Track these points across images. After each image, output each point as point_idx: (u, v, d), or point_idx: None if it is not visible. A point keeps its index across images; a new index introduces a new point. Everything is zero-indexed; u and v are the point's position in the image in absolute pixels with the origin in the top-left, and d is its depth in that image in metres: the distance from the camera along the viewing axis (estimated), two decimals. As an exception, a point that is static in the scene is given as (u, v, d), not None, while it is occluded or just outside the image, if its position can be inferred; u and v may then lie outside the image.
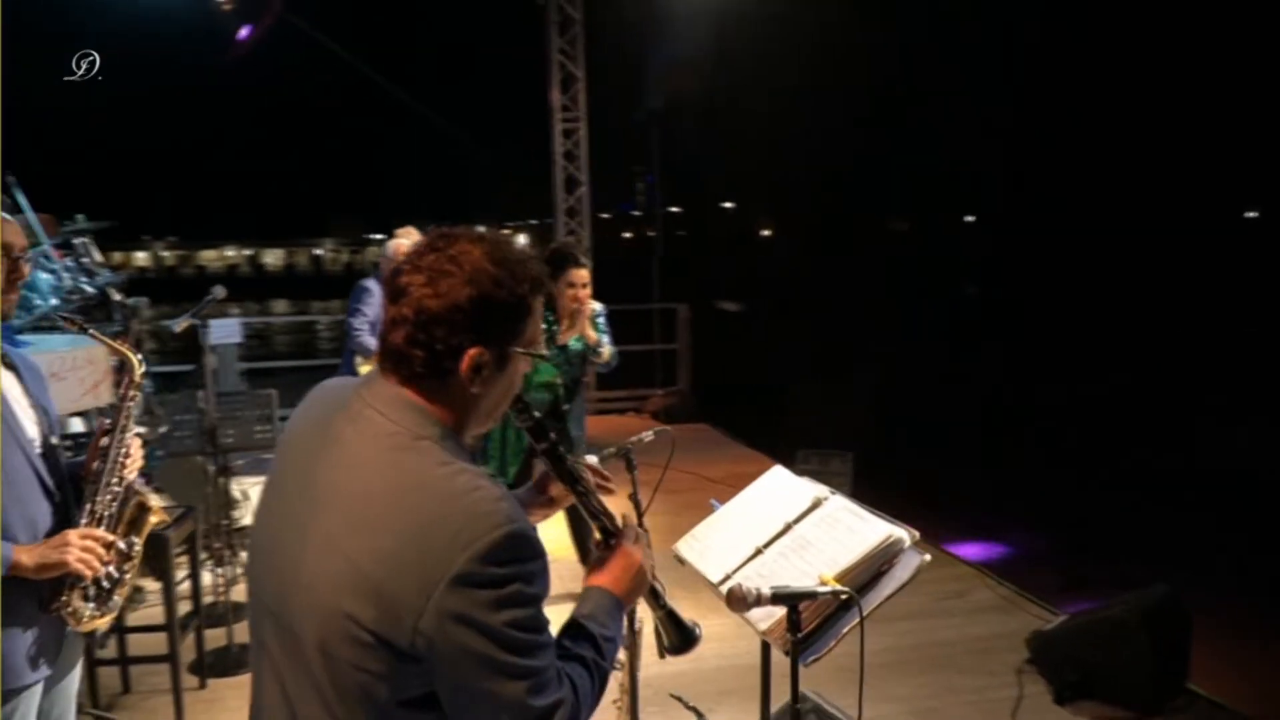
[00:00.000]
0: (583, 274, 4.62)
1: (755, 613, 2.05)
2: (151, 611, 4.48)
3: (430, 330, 1.38)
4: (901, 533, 2.09)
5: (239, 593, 4.77)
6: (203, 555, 4.53)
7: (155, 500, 2.50)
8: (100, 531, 2.32)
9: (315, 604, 1.34)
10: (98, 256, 6.09)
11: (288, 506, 1.44)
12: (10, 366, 2.39)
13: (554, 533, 4.80)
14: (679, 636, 1.76)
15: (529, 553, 1.33)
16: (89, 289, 5.58)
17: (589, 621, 1.54)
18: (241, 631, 4.60)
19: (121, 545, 2.40)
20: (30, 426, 2.35)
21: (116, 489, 2.41)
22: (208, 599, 4.52)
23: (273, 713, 1.42)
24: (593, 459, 3.97)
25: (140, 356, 2.59)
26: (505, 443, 4.63)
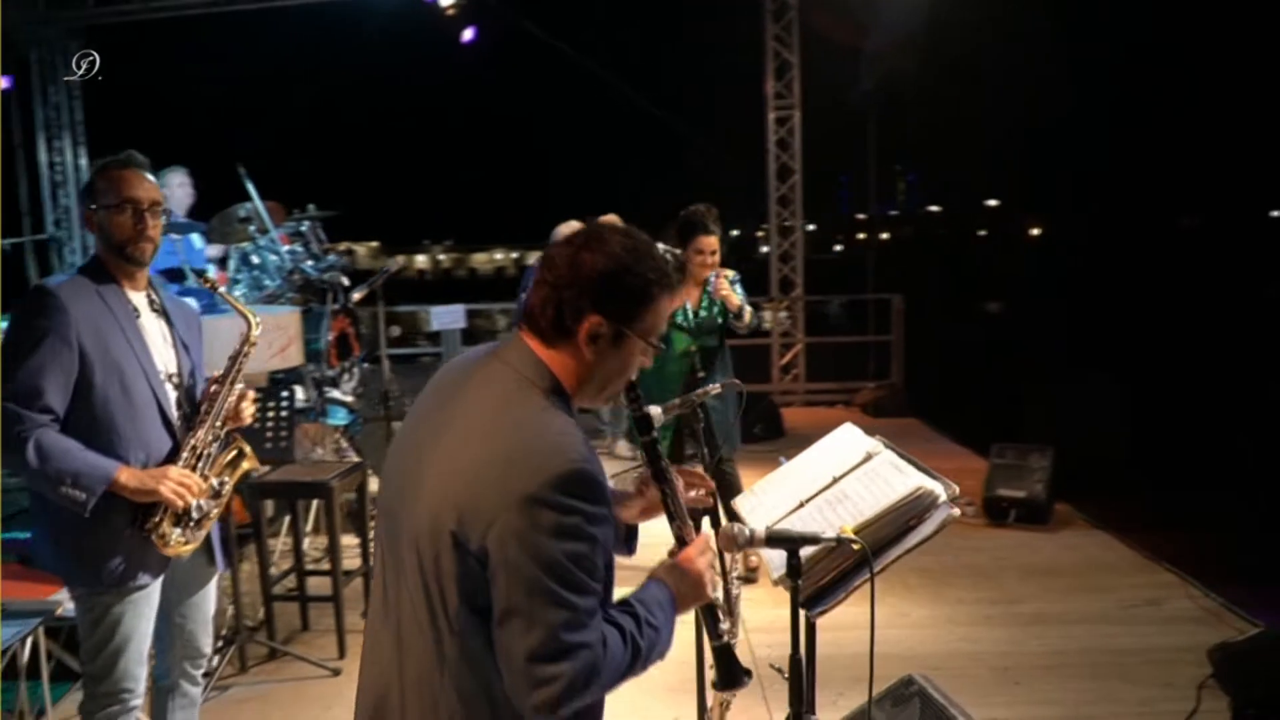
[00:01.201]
0: (710, 241, 4.59)
1: (774, 560, 1.96)
2: (348, 563, 4.84)
3: (562, 292, 1.55)
4: (935, 486, 1.93)
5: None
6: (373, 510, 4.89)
7: (249, 449, 2.76)
8: (196, 476, 2.58)
9: (418, 511, 1.52)
10: (324, 241, 6.72)
11: (416, 436, 1.62)
12: (161, 312, 2.70)
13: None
14: (726, 673, 1.79)
15: (596, 495, 1.46)
16: (311, 272, 6.14)
17: (638, 602, 1.61)
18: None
19: (214, 483, 2.65)
20: (166, 364, 2.65)
21: (218, 432, 2.67)
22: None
23: (377, 616, 1.61)
24: (656, 410, 3.93)
25: (258, 319, 2.85)
26: (662, 396, 4.69)
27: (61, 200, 10.19)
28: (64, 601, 2.96)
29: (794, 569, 1.82)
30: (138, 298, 2.63)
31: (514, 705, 1.47)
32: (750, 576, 4.87)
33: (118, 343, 2.52)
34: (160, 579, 2.61)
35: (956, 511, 1.92)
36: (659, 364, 4.73)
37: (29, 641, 2.98)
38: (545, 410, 1.52)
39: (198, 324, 2.86)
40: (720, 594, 1.80)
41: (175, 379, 2.66)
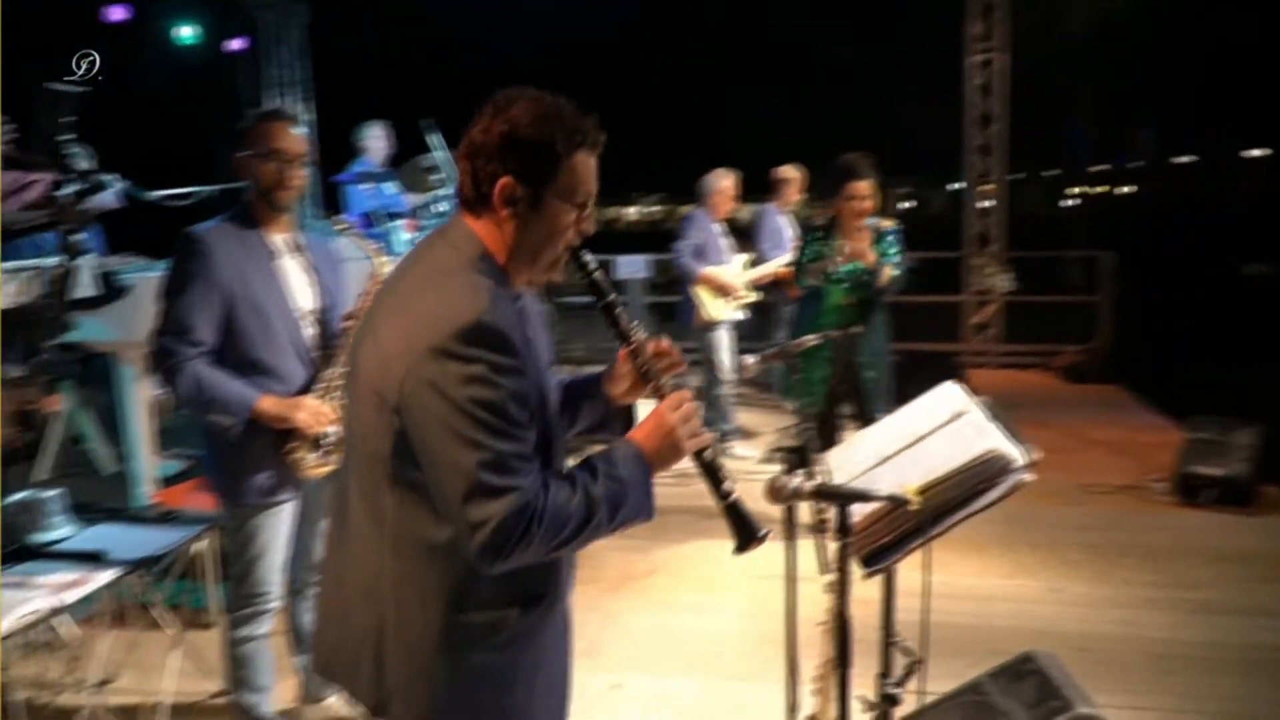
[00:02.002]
0: (862, 186, 4.41)
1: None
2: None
3: (474, 160, 1.60)
4: (1009, 451, 1.82)
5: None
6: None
7: None
8: (328, 406, 2.79)
9: (359, 378, 1.62)
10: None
11: (368, 318, 1.70)
12: (302, 253, 2.91)
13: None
14: (739, 532, 1.69)
15: (500, 346, 1.50)
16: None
17: (599, 458, 1.63)
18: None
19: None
20: (304, 302, 2.85)
21: (345, 367, 2.85)
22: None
23: (339, 477, 1.77)
24: (750, 360, 3.82)
25: (385, 260, 3.00)
26: (812, 381, 4.62)
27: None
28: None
29: (845, 527, 1.76)
30: (279, 240, 2.83)
31: (449, 554, 1.54)
32: None
33: (258, 283, 2.73)
34: (296, 498, 2.85)
35: (1028, 477, 1.80)
36: (813, 314, 4.64)
37: (204, 546, 3.30)
38: (463, 274, 1.57)
39: (341, 265, 3.06)
40: (712, 454, 1.71)
41: (313, 316, 2.86)
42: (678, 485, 1.63)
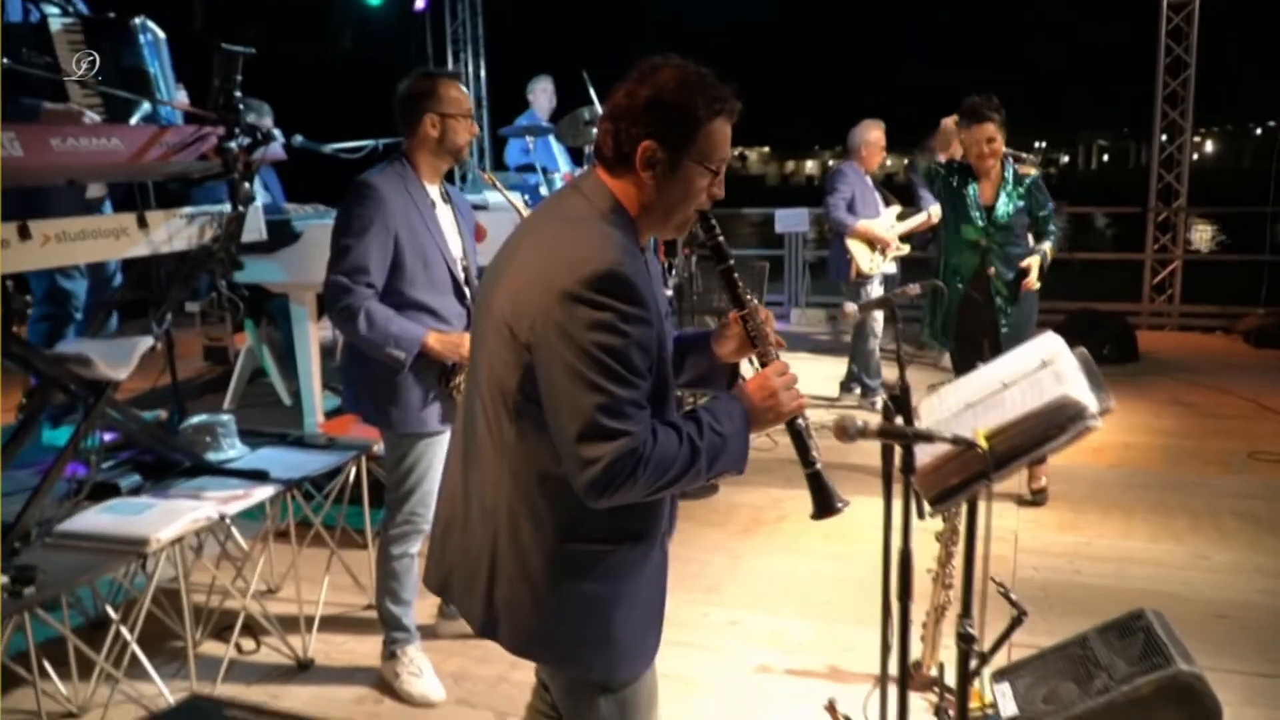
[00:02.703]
0: (985, 130, 4.31)
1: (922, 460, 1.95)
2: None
3: (619, 123, 1.68)
4: (1086, 399, 1.81)
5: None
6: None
7: None
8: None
9: (490, 316, 1.72)
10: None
11: (502, 257, 1.81)
12: (448, 200, 3.13)
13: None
14: (816, 500, 1.81)
15: (629, 296, 1.59)
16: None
17: (704, 410, 1.72)
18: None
19: None
20: (456, 247, 3.07)
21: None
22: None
23: (457, 431, 1.88)
24: (851, 307, 3.76)
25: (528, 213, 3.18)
26: (949, 316, 4.61)
27: (463, 107, 11.48)
28: (378, 442, 3.53)
29: (908, 465, 1.81)
30: (433, 190, 3.05)
31: (563, 487, 1.63)
32: (1037, 500, 4.64)
33: (422, 229, 2.95)
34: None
35: (1097, 424, 1.79)
36: (949, 251, 4.57)
37: (357, 471, 3.61)
38: (597, 224, 1.66)
39: (473, 215, 3.27)
40: (804, 423, 1.80)
41: (463, 260, 3.08)
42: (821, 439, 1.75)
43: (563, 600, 1.72)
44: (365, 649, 3.44)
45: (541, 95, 7.37)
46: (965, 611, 2.11)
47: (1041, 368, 2.04)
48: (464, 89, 3.03)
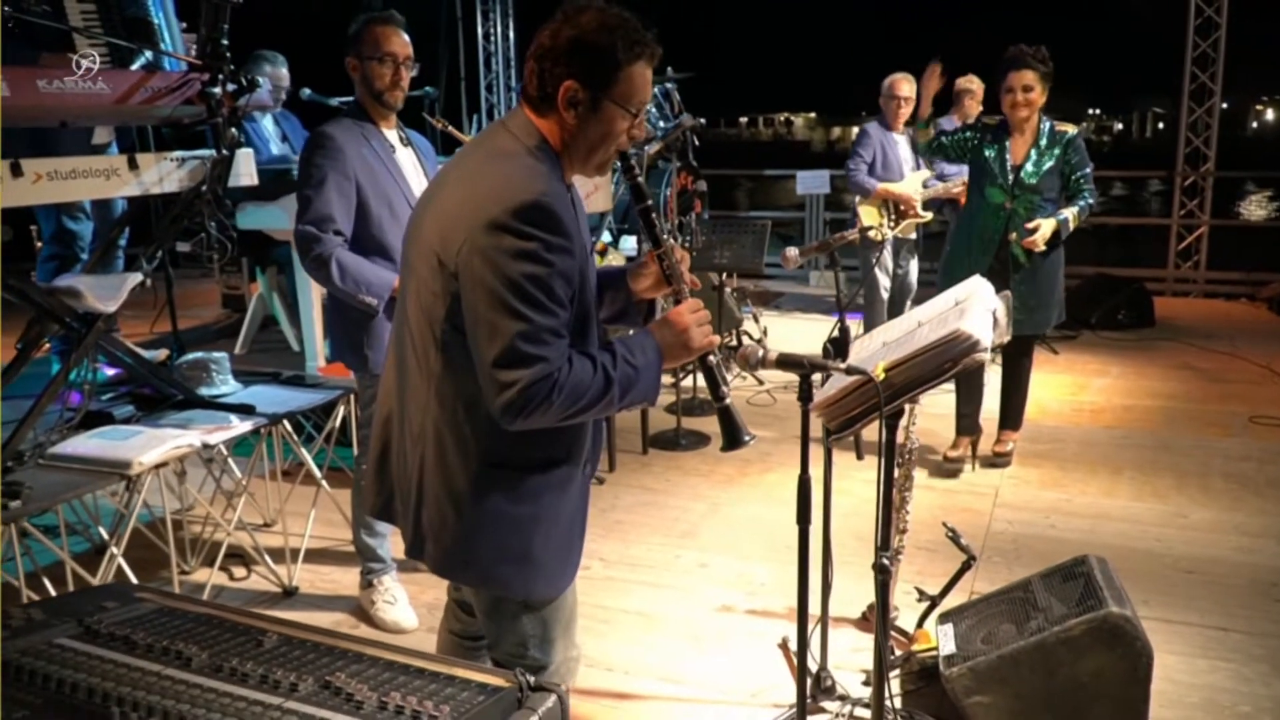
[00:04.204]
0: (1023, 76, 4.08)
1: (821, 394, 2.03)
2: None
3: (541, 62, 1.74)
4: (975, 332, 1.86)
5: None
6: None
7: None
8: None
9: (419, 246, 1.79)
10: (678, 104, 7.13)
11: (430, 190, 1.90)
12: (408, 144, 3.22)
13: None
14: (726, 433, 1.90)
15: (553, 226, 1.66)
16: (659, 130, 6.56)
17: (619, 343, 1.81)
18: (688, 422, 5.31)
19: None
20: (418, 189, 3.16)
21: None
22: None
23: (390, 354, 1.97)
24: (793, 251, 3.79)
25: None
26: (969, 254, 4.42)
27: (494, 67, 11.54)
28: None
29: (804, 393, 1.89)
30: (391, 135, 3.14)
31: (489, 414, 1.71)
32: (999, 462, 4.64)
33: (383, 174, 3.04)
34: None
35: (984, 357, 1.86)
36: (969, 215, 4.44)
37: (347, 414, 3.76)
38: (524, 158, 1.73)
39: (435, 157, 3.35)
40: (715, 359, 1.88)
41: None
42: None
43: (484, 520, 1.81)
44: (349, 579, 3.60)
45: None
46: (883, 545, 2.19)
47: (953, 307, 2.10)
48: (401, 34, 3.03)
